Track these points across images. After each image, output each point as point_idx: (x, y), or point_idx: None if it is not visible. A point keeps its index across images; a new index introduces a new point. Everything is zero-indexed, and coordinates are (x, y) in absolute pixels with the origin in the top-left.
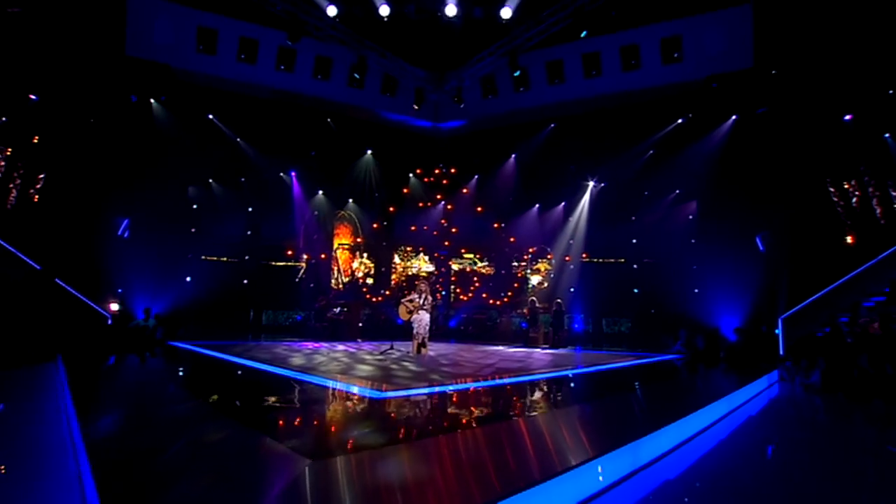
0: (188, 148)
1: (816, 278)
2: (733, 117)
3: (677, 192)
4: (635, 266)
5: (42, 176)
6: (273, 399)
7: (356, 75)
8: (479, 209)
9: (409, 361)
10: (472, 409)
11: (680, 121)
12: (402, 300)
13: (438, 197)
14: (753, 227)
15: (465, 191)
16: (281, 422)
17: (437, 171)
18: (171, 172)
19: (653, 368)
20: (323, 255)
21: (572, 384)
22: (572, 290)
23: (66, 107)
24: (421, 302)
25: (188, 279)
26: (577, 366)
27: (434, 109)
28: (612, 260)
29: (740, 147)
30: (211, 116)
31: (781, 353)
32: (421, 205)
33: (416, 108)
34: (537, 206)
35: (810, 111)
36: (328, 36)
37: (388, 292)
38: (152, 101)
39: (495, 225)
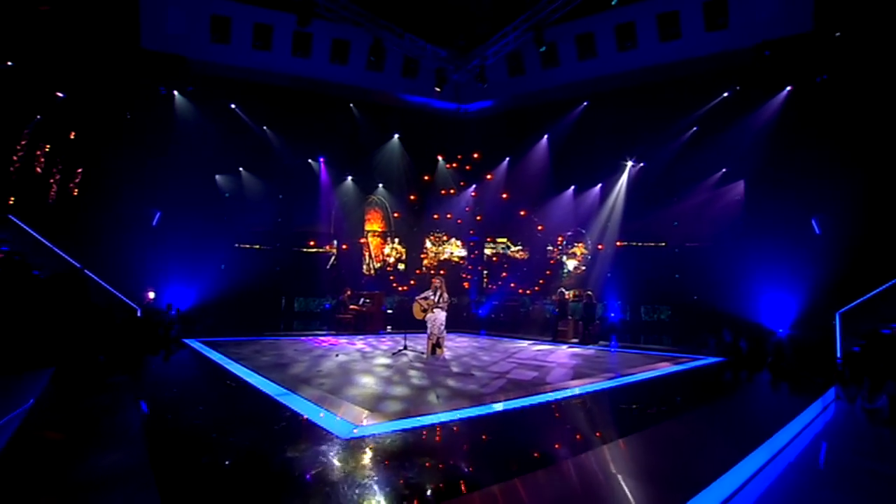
0: (214, 137)
1: (883, 266)
2: (788, 88)
3: (724, 170)
4: (676, 250)
5: (80, 170)
6: (227, 446)
7: (373, 58)
8: (510, 192)
9: (418, 368)
10: (445, 459)
11: (726, 94)
12: (417, 298)
13: (463, 183)
14: (809, 208)
15: (495, 174)
16: (206, 494)
17: (465, 155)
18: (200, 162)
19: (688, 381)
20: (344, 246)
21: (587, 410)
22: (609, 275)
23: (90, 102)
24: (436, 299)
25: (222, 266)
26: (604, 374)
27: (458, 91)
28: (653, 244)
29: (795, 120)
30: (233, 106)
31: (839, 356)
32: (446, 191)
33: (437, 90)
34: (573, 187)
35: (880, 77)
36: (341, 17)
37: (413, 282)
38: (175, 92)
39: (527, 208)
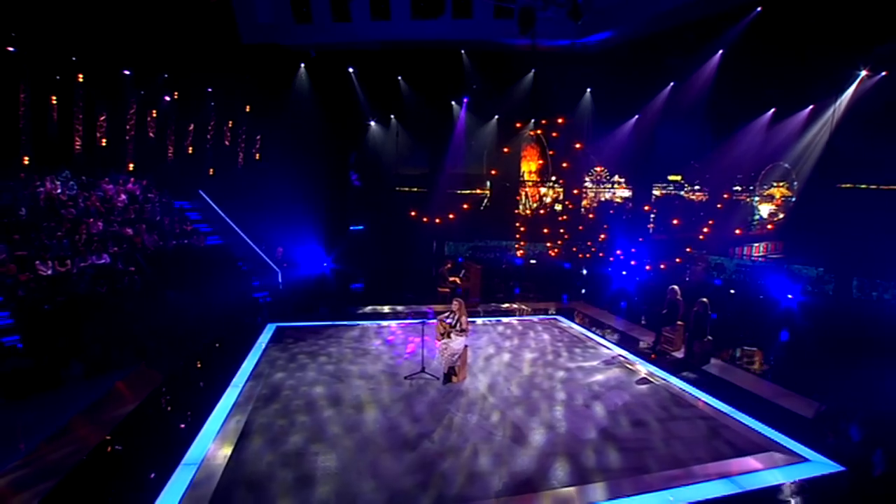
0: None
1: None
2: None
3: None
4: None
5: (259, 137)
6: None
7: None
8: (681, 121)
9: (383, 423)
10: None
11: None
12: (439, 317)
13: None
14: None
15: (653, 102)
16: None
17: (613, 87)
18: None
19: None
20: (489, 192)
21: None
22: (812, 227)
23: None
24: (452, 323)
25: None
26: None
27: (563, 26)
28: (893, 186)
29: None
30: (351, 69)
31: None
32: (605, 129)
33: (522, 32)
34: (772, 110)
35: None
36: None
37: (566, 217)
38: (302, 65)
39: (706, 140)
